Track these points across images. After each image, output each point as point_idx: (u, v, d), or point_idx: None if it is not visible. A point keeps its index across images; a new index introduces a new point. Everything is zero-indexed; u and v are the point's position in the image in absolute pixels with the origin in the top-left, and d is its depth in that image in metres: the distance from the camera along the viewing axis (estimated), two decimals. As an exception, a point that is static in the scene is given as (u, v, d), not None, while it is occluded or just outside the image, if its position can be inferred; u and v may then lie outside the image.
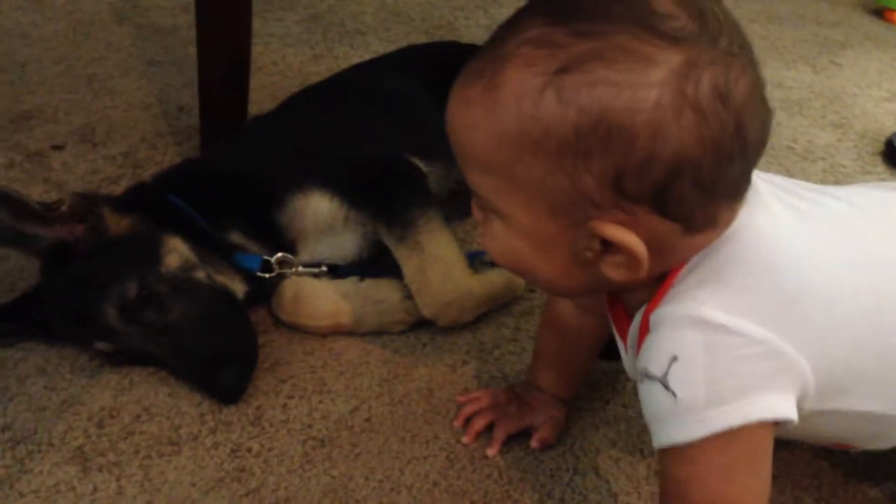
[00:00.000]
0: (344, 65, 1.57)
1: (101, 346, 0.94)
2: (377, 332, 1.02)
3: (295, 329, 1.02)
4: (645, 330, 0.65)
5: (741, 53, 0.57)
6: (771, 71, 1.71)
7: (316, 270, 1.04)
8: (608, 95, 0.54)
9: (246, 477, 0.84)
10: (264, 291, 1.03)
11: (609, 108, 0.54)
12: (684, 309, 0.61)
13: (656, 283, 0.64)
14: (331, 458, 0.86)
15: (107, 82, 1.52)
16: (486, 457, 0.87)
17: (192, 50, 1.65)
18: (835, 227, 0.68)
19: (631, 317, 0.70)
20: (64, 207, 0.93)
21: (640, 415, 0.91)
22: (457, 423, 0.90)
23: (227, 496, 0.82)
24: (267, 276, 1.01)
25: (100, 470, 0.84)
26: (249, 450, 0.87)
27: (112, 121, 1.41)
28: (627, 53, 0.55)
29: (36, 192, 1.21)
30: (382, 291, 1.02)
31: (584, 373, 0.92)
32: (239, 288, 1.00)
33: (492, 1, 1.95)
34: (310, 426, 0.90)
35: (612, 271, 0.61)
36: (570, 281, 0.65)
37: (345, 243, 1.05)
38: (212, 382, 0.91)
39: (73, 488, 0.82)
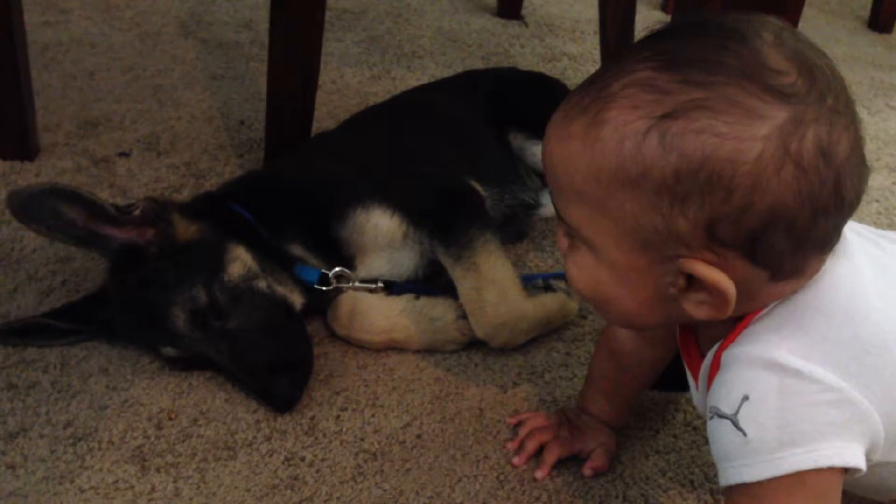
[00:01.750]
0: (401, 86, 1.61)
1: (167, 351, 0.96)
2: (430, 350, 1.03)
3: (349, 343, 1.04)
4: (716, 368, 0.66)
5: (846, 112, 0.58)
6: (826, 111, 1.70)
7: (372, 286, 1.05)
8: (712, 145, 0.56)
9: (299, 485, 0.85)
10: (321, 304, 1.05)
11: (712, 157, 0.56)
12: (759, 350, 0.62)
13: (733, 321, 0.65)
14: (382, 471, 0.88)
15: (172, 93, 1.56)
16: (535, 479, 0.87)
17: (254, 65, 1.70)
18: None
19: (703, 354, 0.71)
20: (136, 211, 0.96)
21: (690, 446, 0.92)
22: (511, 446, 0.91)
23: (281, 503, 0.83)
24: (324, 288, 1.03)
25: (157, 470, 0.86)
26: (303, 459, 0.88)
27: (176, 131, 1.44)
28: (735, 106, 0.56)
29: (102, 196, 1.23)
30: (437, 310, 1.03)
31: (634, 401, 0.92)
32: (297, 299, 1.02)
33: (548, 31, 1.97)
34: (362, 439, 0.91)
35: (694, 308, 0.62)
36: (647, 314, 0.66)
37: (402, 260, 1.07)
38: (267, 390, 0.93)
39: (132, 487, 0.84)
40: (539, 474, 0.88)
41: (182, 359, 0.96)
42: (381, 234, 1.04)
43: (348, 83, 1.66)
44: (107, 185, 1.28)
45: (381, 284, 1.06)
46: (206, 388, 0.96)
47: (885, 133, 1.64)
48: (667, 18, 2.09)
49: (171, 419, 0.92)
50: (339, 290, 1.05)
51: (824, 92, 0.57)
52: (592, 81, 0.61)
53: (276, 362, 0.93)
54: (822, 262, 0.63)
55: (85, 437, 0.89)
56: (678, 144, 0.57)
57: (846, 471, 0.62)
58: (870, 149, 1.55)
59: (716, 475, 0.88)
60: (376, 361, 1.02)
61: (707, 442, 0.91)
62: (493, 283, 1.01)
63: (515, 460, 0.89)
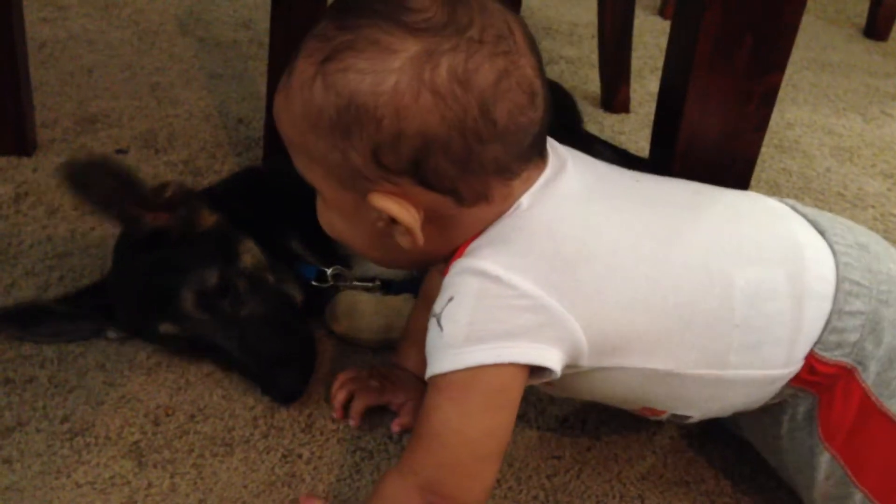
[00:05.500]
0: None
1: (165, 327, 0.95)
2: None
3: (346, 342, 1.04)
4: None
5: (496, 43, 0.64)
6: (821, 118, 1.71)
7: (370, 285, 1.05)
8: (355, 81, 0.63)
9: (296, 483, 0.85)
10: (319, 302, 1.05)
11: (356, 91, 0.63)
12: (470, 261, 0.68)
13: None
14: (379, 469, 0.88)
15: (169, 91, 1.56)
16: (531, 477, 0.88)
17: (252, 64, 1.70)
18: (625, 201, 0.74)
19: None
20: (167, 193, 0.97)
21: (687, 447, 0.92)
22: (336, 415, 0.93)
23: (278, 500, 0.83)
24: (322, 286, 1.03)
25: (155, 466, 0.86)
26: (300, 456, 0.88)
27: (174, 129, 1.44)
28: (373, 44, 0.63)
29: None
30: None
31: None
32: (297, 295, 1.02)
33: (545, 33, 1.98)
34: (359, 437, 0.91)
35: (402, 240, 0.69)
36: (385, 252, 0.73)
37: None
38: (272, 381, 0.93)
39: (129, 482, 0.84)
40: (352, 423, 0.92)
41: (180, 338, 0.96)
42: None
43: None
44: (104, 182, 1.28)
45: (378, 283, 1.06)
46: (203, 384, 0.96)
47: (880, 140, 1.65)
48: (665, 24, 2.10)
49: (168, 415, 0.92)
50: (336, 289, 1.05)
51: (466, 25, 0.63)
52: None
53: (282, 354, 0.94)
54: (510, 187, 0.69)
55: (82, 432, 0.89)
56: (333, 84, 0.63)
57: (532, 372, 0.68)
58: (865, 155, 1.58)
59: (712, 475, 0.90)
60: (373, 360, 1.02)
61: (703, 442, 0.92)
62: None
63: (334, 414, 0.93)
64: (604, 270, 0.69)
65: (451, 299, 0.67)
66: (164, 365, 0.98)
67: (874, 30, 2.18)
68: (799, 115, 1.71)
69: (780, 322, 0.72)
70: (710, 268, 0.72)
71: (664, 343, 0.71)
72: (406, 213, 0.67)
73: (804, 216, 0.79)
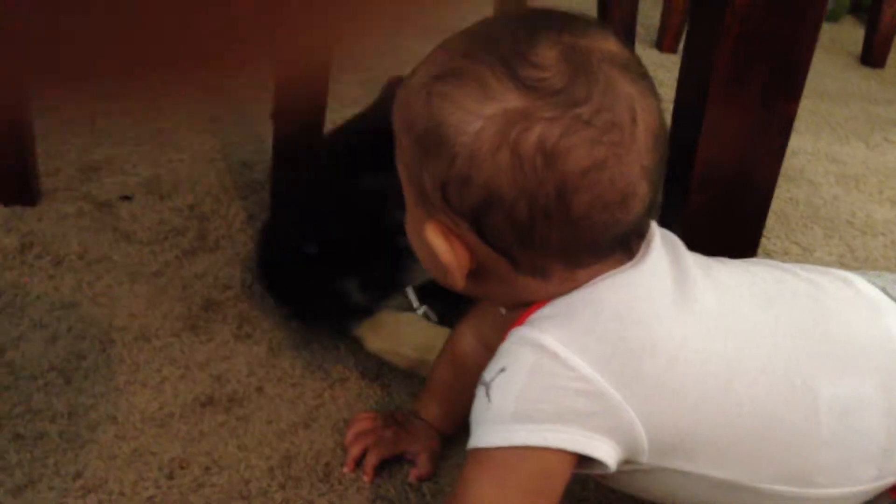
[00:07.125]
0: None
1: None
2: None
3: (366, 379, 1.02)
4: None
5: (605, 129, 0.59)
6: (824, 145, 1.72)
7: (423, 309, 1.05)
8: (447, 110, 0.61)
9: (317, 535, 0.83)
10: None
11: (444, 121, 0.61)
12: (530, 332, 0.64)
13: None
14: (401, 518, 0.86)
15: (172, 136, 1.55)
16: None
17: (253, 107, 1.69)
18: (703, 294, 0.68)
19: None
20: None
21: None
22: (347, 469, 0.90)
23: (299, 554, 0.81)
24: None
25: (171, 521, 0.84)
26: (319, 507, 0.86)
27: (178, 174, 1.43)
28: (477, 82, 0.60)
29: (105, 241, 1.23)
30: None
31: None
32: None
33: (545, 69, 1.98)
34: (378, 485, 0.89)
35: (445, 275, 0.67)
36: (439, 274, 0.69)
37: None
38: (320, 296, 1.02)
39: (145, 539, 0.82)
40: (365, 478, 0.89)
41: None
42: None
43: (349, 124, 1.66)
44: (110, 230, 1.27)
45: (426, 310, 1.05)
46: (217, 435, 0.94)
47: (885, 167, 1.65)
48: (662, 56, 2.11)
49: (182, 468, 0.90)
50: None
51: (580, 100, 0.59)
52: None
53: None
54: (573, 272, 0.65)
55: (95, 488, 0.87)
56: (430, 103, 0.62)
57: (583, 461, 0.63)
58: (871, 182, 1.58)
59: None
60: (390, 405, 1.00)
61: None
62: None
63: (344, 469, 0.90)
64: (669, 364, 0.64)
65: (503, 370, 0.64)
66: (176, 416, 0.96)
67: (870, 57, 2.19)
68: (801, 144, 1.71)
69: (872, 439, 0.66)
70: (793, 377, 0.66)
71: (736, 453, 0.66)
72: (451, 256, 0.65)
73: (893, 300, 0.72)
